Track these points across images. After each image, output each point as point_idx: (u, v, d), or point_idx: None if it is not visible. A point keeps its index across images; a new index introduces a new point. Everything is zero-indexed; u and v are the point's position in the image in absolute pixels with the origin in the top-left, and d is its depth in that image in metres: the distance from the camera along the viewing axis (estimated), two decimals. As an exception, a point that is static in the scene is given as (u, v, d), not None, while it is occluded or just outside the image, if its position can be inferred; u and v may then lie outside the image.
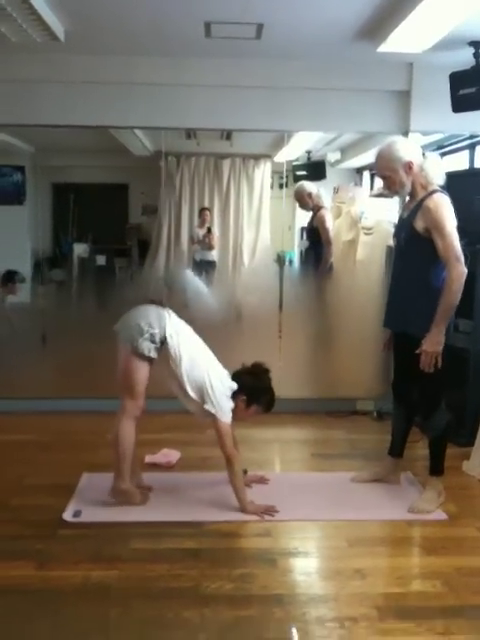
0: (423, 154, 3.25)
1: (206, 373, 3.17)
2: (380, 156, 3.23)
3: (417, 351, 3.14)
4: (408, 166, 3.17)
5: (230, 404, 3.21)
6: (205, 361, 3.24)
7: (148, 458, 3.86)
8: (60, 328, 4.85)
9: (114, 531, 3.02)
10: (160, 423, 4.23)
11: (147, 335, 3.12)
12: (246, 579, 2.63)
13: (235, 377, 3.29)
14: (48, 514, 3.14)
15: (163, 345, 3.15)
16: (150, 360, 3.17)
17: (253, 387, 3.28)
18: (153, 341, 3.13)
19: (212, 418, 3.17)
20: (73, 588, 2.55)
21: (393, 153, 3.18)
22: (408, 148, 3.21)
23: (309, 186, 5.39)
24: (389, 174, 3.21)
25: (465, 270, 3.07)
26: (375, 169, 3.31)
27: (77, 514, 3.14)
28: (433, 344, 3.11)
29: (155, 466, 3.82)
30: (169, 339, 3.14)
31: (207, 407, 3.15)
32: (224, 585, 2.58)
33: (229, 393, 3.22)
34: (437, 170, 3.24)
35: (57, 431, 4.38)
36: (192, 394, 3.16)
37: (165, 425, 4.29)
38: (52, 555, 2.79)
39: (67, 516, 3.12)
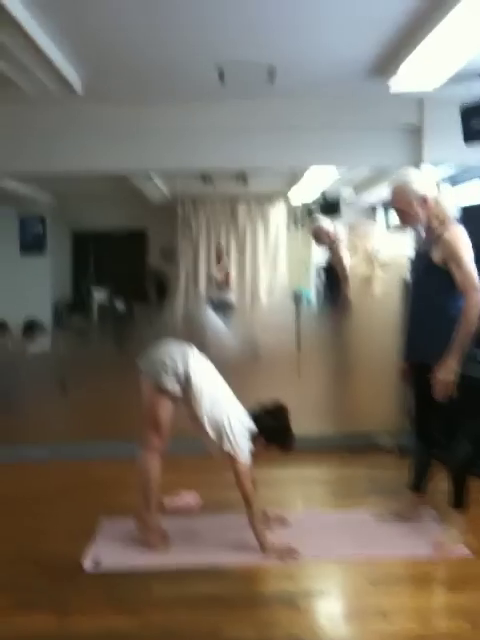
0: (437, 187, 3.28)
1: (226, 413, 3.17)
2: (395, 191, 3.27)
3: (432, 381, 3.12)
4: (423, 200, 3.20)
5: (249, 445, 3.20)
6: (225, 400, 3.24)
7: (167, 502, 3.83)
8: (80, 373, 4.89)
9: (134, 578, 3.00)
10: (178, 466, 4.21)
11: (171, 371, 3.14)
12: (268, 624, 2.60)
13: (254, 417, 3.27)
14: (68, 561, 3.13)
15: (186, 381, 3.16)
16: (174, 396, 3.18)
17: (272, 427, 3.27)
18: (177, 377, 3.15)
19: (230, 459, 3.16)
20: (95, 637, 2.54)
21: (407, 186, 3.21)
22: (423, 182, 3.24)
23: (326, 224, 5.45)
24: (404, 208, 3.24)
25: None
26: (390, 203, 3.34)
27: (97, 565, 3.09)
28: (447, 372, 3.10)
29: (174, 509, 3.79)
30: (192, 376, 3.15)
31: (225, 447, 3.14)
32: (246, 630, 2.55)
33: (248, 434, 3.21)
34: (451, 203, 3.27)
35: (76, 476, 4.36)
36: (211, 434, 3.16)
37: (183, 467, 4.26)
38: (72, 604, 2.78)
39: (87, 566, 3.10)
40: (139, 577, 3.00)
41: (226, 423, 3.15)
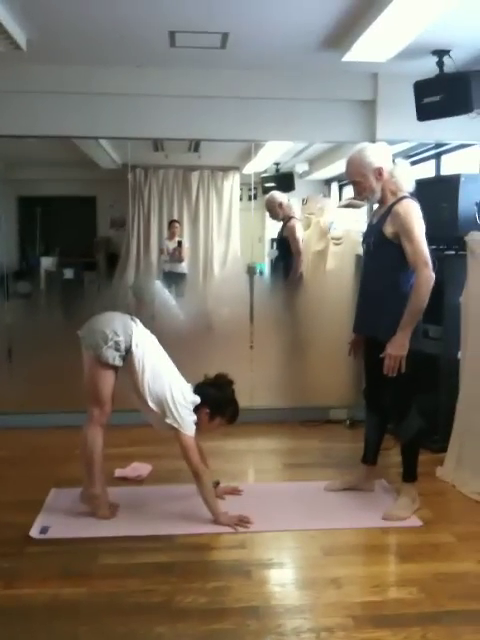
0: (393, 161, 3.27)
1: (168, 386, 3.13)
2: (350, 161, 3.24)
3: (381, 355, 3.13)
4: (378, 172, 3.18)
5: (192, 417, 3.16)
6: (167, 373, 3.19)
7: (118, 472, 3.79)
8: (27, 342, 4.76)
9: (83, 547, 2.94)
10: (129, 436, 4.16)
11: (111, 343, 3.07)
12: (220, 592, 2.58)
13: (198, 389, 3.24)
14: (15, 531, 3.05)
15: (128, 354, 3.10)
16: (115, 368, 3.12)
17: (216, 399, 3.24)
18: (117, 349, 3.09)
19: (174, 432, 3.12)
20: (42, 606, 2.48)
21: (363, 159, 3.18)
22: (379, 154, 3.22)
23: (280, 196, 5.40)
24: (359, 179, 3.21)
25: (433, 275, 3.08)
26: (345, 174, 3.31)
27: (44, 531, 3.05)
28: (397, 348, 3.11)
29: (125, 480, 3.74)
30: (134, 348, 3.10)
31: (168, 420, 3.10)
32: (197, 599, 2.52)
33: (191, 406, 3.17)
34: (407, 177, 3.26)
35: (24, 446, 4.29)
36: (153, 406, 3.11)
37: (134, 438, 4.21)
38: (20, 573, 2.71)
39: (34, 533, 3.04)
40: (88, 546, 2.94)
41: (169, 395, 3.10)
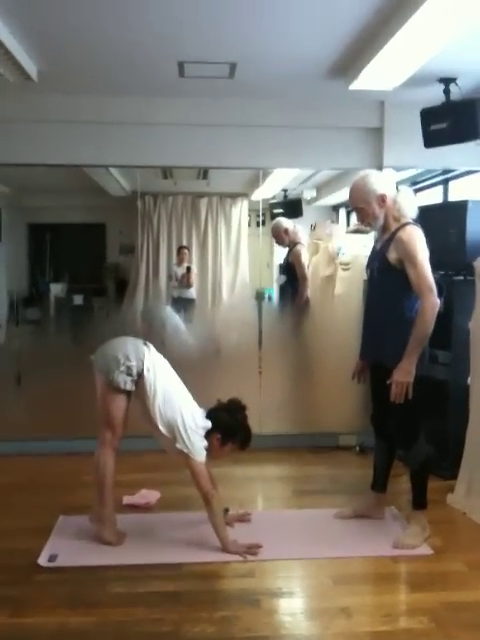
0: (397, 188, 3.29)
1: (179, 411, 3.12)
2: (354, 188, 3.26)
3: (388, 382, 3.12)
4: (381, 199, 3.20)
5: (203, 443, 3.14)
6: (179, 398, 3.19)
7: (126, 499, 3.77)
8: (36, 368, 4.77)
9: (92, 575, 2.92)
10: (138, 463, 4.16)
11: (123, 368, 3.09)
12: (229, 621, 2.55)
13: (210, 414, 3.23)
14: (23, 559, 3.04)
15: (139, 378, 3.11)
16: (127, 392, 3.13)
17: (228, 424, 3.23)
18: (130, 374, 3.10)
19: (184, 457, 3.11)
20: (49, 635, 2.46)
21: (366, 185, 3.20)
22: (381, 181, 3.24)
23: (285, 222, 5.44)
24: (362, 206, 3.23)
25: (438, 301, 3.08)
26: (349, 201, 3.33)
27: (52, 558, 3.04)
28: (404, 374, 3.10)
29: (133, 507, 3.72)
30: (146, 373, 3.11)
31: (179, 446, 3.09)
32: (206, 628, 2.50)
33: (202, 432, 3.16)
34: (410, 204, 3.28)
35: (33, 473, 4.28)
36: (164, 431, 3.11)
37: (143, 465, 4.21)
38: (27, 601, 2.69)
39: (42, 560, 3.02)
40: (96, 575, 2.92)
41: (180, 421, 3.10)
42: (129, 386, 3.11)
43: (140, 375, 3.11)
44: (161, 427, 3.11)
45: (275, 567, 3.03)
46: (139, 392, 3.15)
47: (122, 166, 5.13)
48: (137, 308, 5.87)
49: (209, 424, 3.18)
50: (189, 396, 3.27)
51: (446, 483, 3.90)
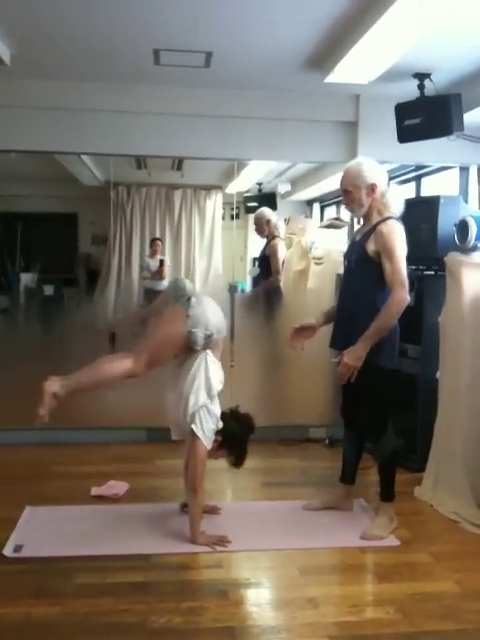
0: (388, 183, 3.32)
1: (212, 397, 3.13)
2: (347, 170, 3.29)
3: (335, 359, 3.12)
4: (371, 188, 3.22)
5: (213, 435, 3.15)
6: (217, 388, 3.18)
7: (94, 490, 3.74)
8: (4, 357, 4.69)
9: (57, 566, 2.89)
10: (106, 454, 4.12)
11: (208, 333, 3.07)
12: (196, 612, 2.54)
13: (223, 416, 3.22)
14: (-13, 549, 3.00)
15: (203, 345, 3.10)
16: (188, 345, 3.09)
17: (233, 435, 3.23)
18: (205, 341, 3.08)
19: (192, 438, 3.11)
20: (13, 626, 2.43)
21: (361, 171, 3.23)
22: (375, 172, 3.26)
23: (269, 214, 5.44)
24: (351, 189, 3.25)
25: (408, 297, 3.11)
26: (340, 182, 3.32)
27: (18, 549, 3.00)
28: (354, 358, 3.11)
29: (101, 498, 3.69)
30: (210, 349, 3.12)
31: (194, 427, 3.08)
32: (173, 619, 2.49)
33: (217, 427, 3.17)
34: (397, 201, 3.30)
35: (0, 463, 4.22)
36: (189, 404, 3.08)
37: (111, 456, 4.18)
38: (-9, 592, 2.65)
39: (7, 551, 2.98)
40: (62, 565, 2.89)
41: (206, 406, 3.10)
42: (196, 346, 3.08)
43: (205, 345, 3.10)
44: (190, 402, 3.08)
45: (243, 558, 3.03)
46: (190, 357, 3.12)
47: (95, 154, 5.06)
48: (108, 299, 5.83)
49: (221, 424, 3.19)
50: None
51: (414, 475, 3.93)
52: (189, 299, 3.13)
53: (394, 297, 3.09)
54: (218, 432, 3.18)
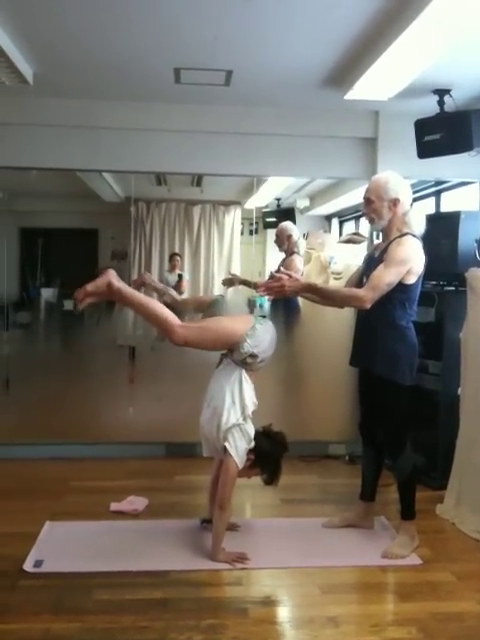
0: (411, 203, 3.31)
1: (247, 416, 3.15)
2: (374, 180, 3.31)
3: (273, 271, 3.18)
4: (393, 202, 3.21)
5: (245, 456, 3.15)
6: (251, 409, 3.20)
7: (113, 506, 3.74)
8: (25, 372, 4.73)
9: (77, 581, 2.89)
10: (126, 469, 4.12)
11: (252, 351, 3.10)
12: (216, 629, 2.52)
13: (256, 435, 3.22)
14: (8, 564, 3.00)
15: (245, 364, 3.13)
16: (228, 357, 3.17)
17: (267, 454, 3.24)
18: (251, 355, 3.11)
19: (224, 456, 3.12)
20: (33, 642, 2.42)
21: (387, 184, 3.23)
22: (401, 188, 3.26)
23: (292, 229, 5.42)
24: (374, 199, 3.24)
25: (368, 306, 3.07)
26: (365, 191, 3.32)
27: (38, 564, 3.00)
28: (294, 288, 3.11)
29: (121, 514, 3.69)
30: (250, 366, 3.15)
31: (227, 444, 3.09)
32: (193, 636, 2.47)
33: (249, 446, 3.17)
34: (419, 222, 3.29)
35: (20, 478, 4.23)
36: (223, 419, 3.10)
37: (131, 471, 4.18)
38: (11, 607, 2.66)
39: (27, 566, 2.98)
40: (82, 581, 2.89)
41: (241, 424, 3.12)
42: (243, 355, 3.10)
43: (247, 364, 3.13)
44: (223, 419, 3.10)
45: (263, 576, 3.01)
46: (223, 371, 3.19)
47: (116, 171, 5.12)
48: (128, 314, 5.85)
49: (253, 443, 3.19)
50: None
51: (436, 493, 3.89)
52: (264, 317, 3.24)
53: (358, 294, 3.10)
54: (251, 451, 3.18)
